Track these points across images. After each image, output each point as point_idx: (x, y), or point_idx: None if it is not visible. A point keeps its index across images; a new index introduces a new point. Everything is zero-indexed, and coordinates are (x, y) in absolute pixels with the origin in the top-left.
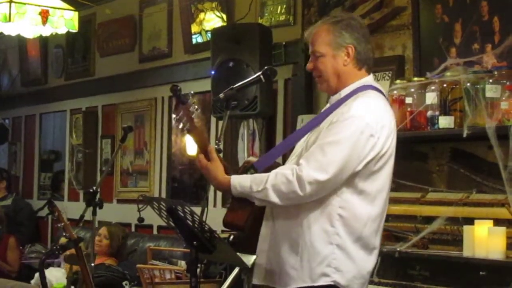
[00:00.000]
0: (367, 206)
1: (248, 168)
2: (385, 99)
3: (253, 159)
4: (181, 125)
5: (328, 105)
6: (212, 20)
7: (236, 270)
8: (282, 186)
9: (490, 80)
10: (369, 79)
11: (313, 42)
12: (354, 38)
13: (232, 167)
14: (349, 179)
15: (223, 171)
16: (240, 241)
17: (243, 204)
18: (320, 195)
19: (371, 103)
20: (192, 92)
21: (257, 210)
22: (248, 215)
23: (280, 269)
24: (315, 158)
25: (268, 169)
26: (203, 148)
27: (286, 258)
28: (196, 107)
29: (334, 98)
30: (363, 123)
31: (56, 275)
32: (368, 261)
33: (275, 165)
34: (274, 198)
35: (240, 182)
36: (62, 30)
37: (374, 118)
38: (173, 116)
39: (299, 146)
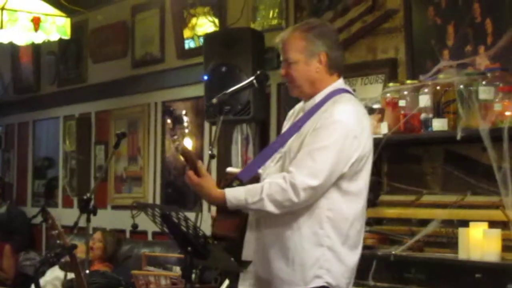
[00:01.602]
0: (351, 206)
1: (233, 180)
2: (359, 101)
3: (232, 169)
4: (176, 144)
5: (301, 113)
6: (204, 25)
7: (226, 283)
8: (277, 195)
9: (484, 82)
10: (340, 83)
11: (285, 49)
12: (327, 45)
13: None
14: (335, 181)
15: (215, 185)
16: (227, 248)
17: (231, 215)
18: (312, 201)
19: (350, 107)
20: (184, 111)
21: (245, 217)
22: (238, 224)
23: (271, 274)
24: (305, 165)
25: (251, 180)
26: (192, 165)
27: (276, 263)
28: (187, 124)
29: (309, 104)
30: (347, 127)
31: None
32: (354, 259)
33: (257, 176)
34: (270, 207)
35: (235, 195)
36: (55, 37)
37: (355, 121)
38: (171, 136)
39: (278, 152)
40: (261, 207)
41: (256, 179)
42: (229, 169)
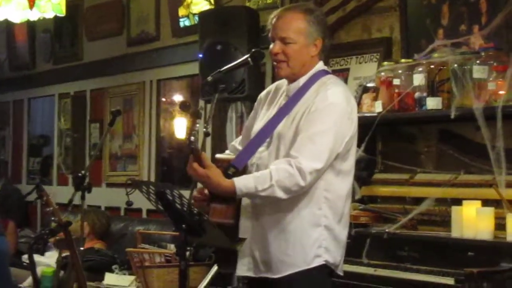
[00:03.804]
0: (343, 184)
1: (228, 168)
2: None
3: (221, 156)
4: (192, 138)
5: (282, 95)
6: (200, 3)
7: (214, 269)
8: (285, 180)
9: (478, 61)
10: (321, 65)
11: (284, 27)
12: (322, 31)
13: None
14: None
15: (222, 175)
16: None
17: (224, 201)
18: (314, 183)
19: (341, 88)
20: (200, 106)
21: (239, 203)
22: (233, 210)
23: (270, 258)
24: (307, 149)
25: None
26: (197, 157)
27: (275, 246)
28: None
29: (293, 87)
30: (341, 109)
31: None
32: (345, 235)
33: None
34: (279, 193)
35: (245, 184)
36: (50, 15)
37: (347, 102)
38: (192, 131)
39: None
40: (271, 194)
41: (245, 166)
42: (218, 156)
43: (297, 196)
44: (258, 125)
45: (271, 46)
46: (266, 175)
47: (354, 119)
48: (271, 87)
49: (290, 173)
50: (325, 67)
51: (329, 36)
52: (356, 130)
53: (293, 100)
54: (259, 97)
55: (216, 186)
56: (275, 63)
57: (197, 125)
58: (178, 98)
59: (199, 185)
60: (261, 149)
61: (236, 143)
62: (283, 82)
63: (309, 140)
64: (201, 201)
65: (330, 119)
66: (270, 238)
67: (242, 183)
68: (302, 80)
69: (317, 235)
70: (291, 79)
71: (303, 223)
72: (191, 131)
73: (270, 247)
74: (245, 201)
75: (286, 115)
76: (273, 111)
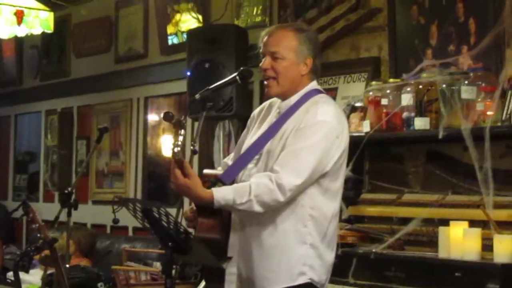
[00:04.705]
0: (331, 204)
1: (215, 182)
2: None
3: (209, 171)
4: (176, 149)
5: (274, 113)
6: (188, 21)
7: (203, 284)
8: (264, 196)
9: (466, 82)
10: (314, 84)
11: (275, 43)
12: (313, 51)
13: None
14: (317, 179)
15: (201, 185)
16: (212, 250)
17: (211, 215)
18: (294, 196)
19: (332, 107)
20: (183, 117)
21: (227, 217)
22: (219, 224)
23: (255, 275)
24: (290, 164)
25: (231, 183)
26: (178, 164)
27: (260, 262)
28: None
29: (285, 105)
30: (330, 127)
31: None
32: (331, 256)
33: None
34: (257, 207)
35: (223, 195)
36: (38, 31)
37: (337, 121)
38: (176, 142)
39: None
40: (248, 208)
41: (234, 181)
42: (206, 171)
43: (279, 210)
44: (249, 141)
45: (261, 63)
46: (245, 188)
47: (344, 138)
48: (264, 105)
49: (269, 188)
50: (318, 87)
51: (320, 57)
52: (346, 150)
53: (283, 118)
54: (252, 114)
55: (195, 195)
56: (265, 81)
57: (181, 136)
58: None
59: (186, 204)
60: (250, 166)
61: (228, 159)
62: (277, 99)
63: (293, 155)
64: (194, 221)
65: (317, 136)
66: (254, 253)
67: (220, 194)
68: (294, 99)
69: (302, 252)
70: (282, 98)
71: (288, 239)
72: (175, 141)
73: (255, 264)
74: (234, 213)
75: (276, 132)
76: (264, 128)
